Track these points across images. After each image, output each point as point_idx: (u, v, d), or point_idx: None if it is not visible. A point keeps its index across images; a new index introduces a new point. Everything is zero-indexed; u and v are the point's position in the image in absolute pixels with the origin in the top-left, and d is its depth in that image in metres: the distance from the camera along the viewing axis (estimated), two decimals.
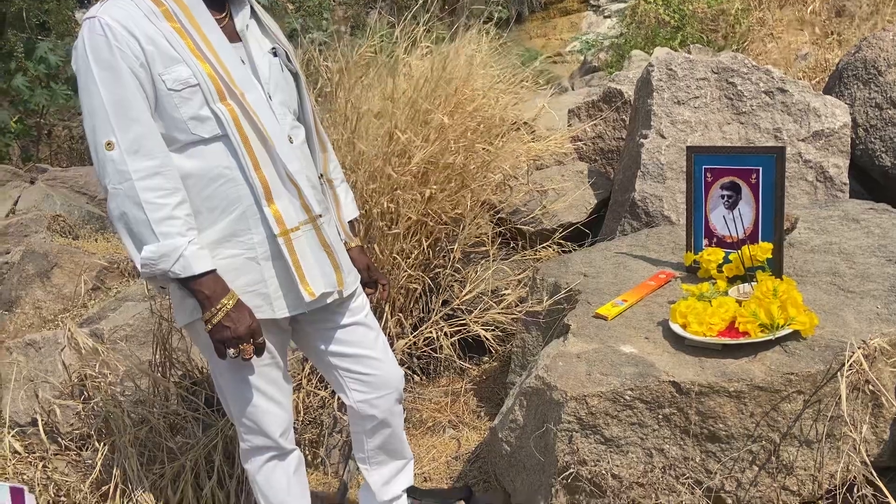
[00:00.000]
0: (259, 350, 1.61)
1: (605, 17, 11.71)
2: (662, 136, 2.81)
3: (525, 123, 3.26)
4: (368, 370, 1.85)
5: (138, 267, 1.55)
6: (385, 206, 2.55)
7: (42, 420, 2.58)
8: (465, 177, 2.74)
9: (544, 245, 2.93)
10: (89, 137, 1.53)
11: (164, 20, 1.54)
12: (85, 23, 1.51)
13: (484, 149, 2.75)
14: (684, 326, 1.76)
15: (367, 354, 1.84)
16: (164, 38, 1.53)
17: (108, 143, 1.50)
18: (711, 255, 2.03)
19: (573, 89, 7.51)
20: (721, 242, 2.07)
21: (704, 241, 2.10)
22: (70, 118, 7.37)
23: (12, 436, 2.57)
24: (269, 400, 1.75)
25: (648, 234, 2.50)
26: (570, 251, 2.83)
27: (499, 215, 3.01)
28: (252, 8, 1.72)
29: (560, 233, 2.97)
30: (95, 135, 1.51)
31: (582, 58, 10.34)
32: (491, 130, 2.86)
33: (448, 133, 2.67)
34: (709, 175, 2.06)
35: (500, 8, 11.66)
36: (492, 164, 2.81)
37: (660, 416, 1.65)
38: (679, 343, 1.76)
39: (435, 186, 2.56)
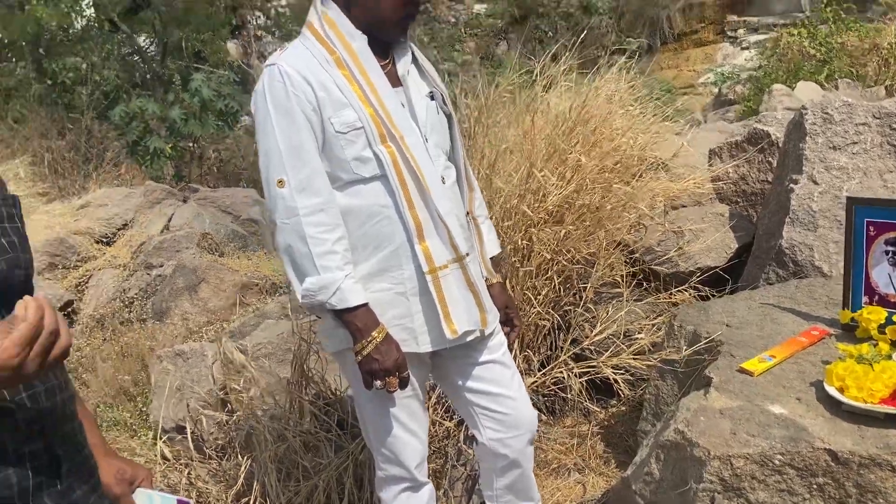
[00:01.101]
0: (403, 383, 1.67)
1: (743, 49, 11.31)
2: (815, 182, 2.68)
3: (663, 163, 3.20)
4: (503, 409, 1.86)
5: (299, 297, 1.66)
6: (519, 242, 2.58)
7: (190, 429, 2.77)
8: (600, 216, 2.72)
9: (680, 288, 2.85)
10: (263, 174, 1.66)
11: (335, 67, 1.65)
12: (266, 69, 1.65)
13: (621, 188, 2.72)
14: (841, 390, 1.65)
15: (502, 393, 1.86)
16: (334, 85, 1.64)
17: (280, 181, 1.62)
18: (872, 315, 1.90)
19: (706, 122, 7.28)
20: (884, 301, 1.93)
21: (864, 299, 1.97)
22: (218, 142, 7.95)
23: (163, 441, 2.78)
24: (407, 431, 1.80)
25: (798, 286, 2.38)
26: (708, 297, 2.74)
27: (632, 255, 2.97)
28: (413, 54, 1.81)
29: (697, 276, 2.88)
30: (269, 172, 1.63)
31: (716, 90, 10.01)
32: (628, 169, 2.83)
33: (585, 172, 2.66)
34: (871, 229, 1.94)
35: (630, 39, 11.53)
36: (628, 204, 2.78)
37: (812, 486, 1.56)
38: (835, 408, 1.65)
39: (571, 226, 2.56)
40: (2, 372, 0.93)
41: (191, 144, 7.33)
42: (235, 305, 4.71)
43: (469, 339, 1.77)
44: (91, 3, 10.02)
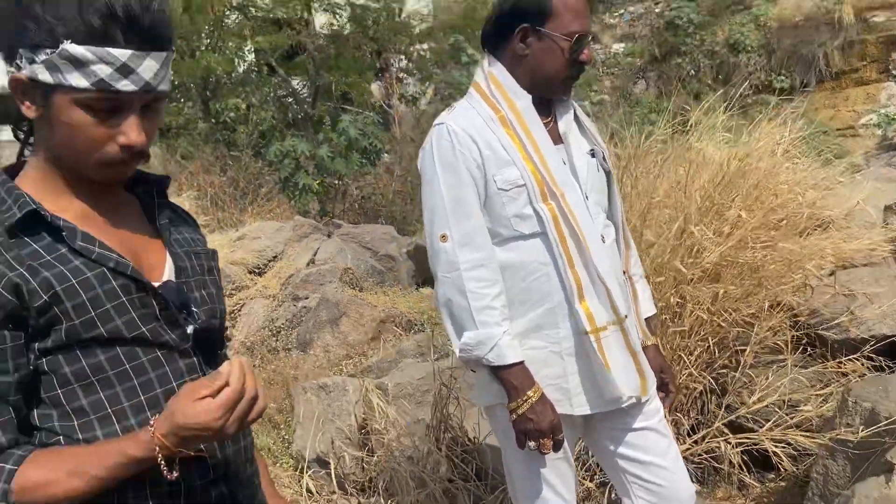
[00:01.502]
0: (557, 445, 1.63)
1: None
2: None
3: (832, 221, 2.98)
4: (658, 480, 1.77)
5: (456, 350, 1.67)
6: (670, 300, 2.48)
7: (333, 464, 2.85)
8: (761, 275, 2.56)
9: (851, 357, 2.61)
10: (427, 228, 1.70)
11: (499, 126, 1.67)
12: (434, 128, 1.70)
13: (786, 247, 2.55)
14: None
15: (658, 463, 1.77)
16: (499, 143, 1.66)
17: (443, 236, 1.65)
18: None
19: (869, 167, 6.75)
20: None
21: None
22: (360, 179, 8.30)
23: (309, 475, 2.87)
24: (555, 494, 1.75)
25: None
26: (883, 369, 2.50)
27: (796, 318, 2.76)
28: (574, 111, 1.80)
29: (871, 345, 2.64)
30: (433, 226, 1.67)
31: (880, 133, 9.28)
32: (795, 227, 2.65)
33: (745, 228, 2.53)
34: None
35: (781, 77, 10.98)
36: (793, 263, 2.60)
37: None
38: None
39: (730, 285, 2.43)
40: (204, 432, 0.99)
41: (336, 181, 7.70)
42: (374, 340, 4.85)
43: (625, 404, 1.71)
44: (252, 50, 10.86)
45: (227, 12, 9.36)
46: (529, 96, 1.70)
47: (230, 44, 9.50)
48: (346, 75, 10.73)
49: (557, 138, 1.74)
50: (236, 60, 10.50)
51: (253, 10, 9.94)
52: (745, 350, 2.60)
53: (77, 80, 1.01)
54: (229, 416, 1.00)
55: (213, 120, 9.72)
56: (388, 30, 10.79)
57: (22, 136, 1.16)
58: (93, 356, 1.07)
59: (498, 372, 1.63)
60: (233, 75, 10.52)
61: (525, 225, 1.66)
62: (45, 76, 1.02)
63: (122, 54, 1.02)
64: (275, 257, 6.24)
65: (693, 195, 2.63)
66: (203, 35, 9.46)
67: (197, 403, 0.99)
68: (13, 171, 1.14)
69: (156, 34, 1.05)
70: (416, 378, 3.35)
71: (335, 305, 4.99)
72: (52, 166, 1.11)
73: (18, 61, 1.03)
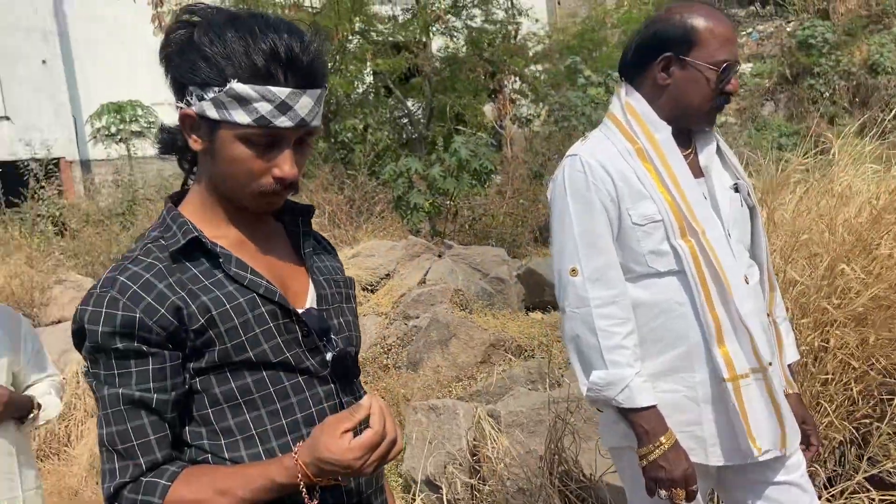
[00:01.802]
0: (690, 496, 1.54)
1: None
2: None
3: None
4: None
5: (582, 389, 1.62)
6: (814, 343, 2.31)
7: (445, 489, 2.85)
8: None
9: None
10: (555, 259, 1.67)
11: (636, 158, 1.62)
12: (567, 159, 1.66)
13: None
14: None
15: None
16: (634, 176, 1.60)
17: (573, 270, 1.61)
18: None
19: None
20: None
21: None
22: (471, 200, 8.36)
23: (420, 498, 2.88)
24: None
25: None
26: None
27: None
28: (717, 143, 1.72)
29: None
30: (562, 259, 1.63)
31: None
32: None
33: None
34: None
35: None
36: None
37: None
38: None
39: (884, 331, 2.24)
40: (345, 469, 1.01)
41: (447, 202, 7.78)
42: (483, 363, 4.83)
43: (765, 458, 1.60)
44: (371, 72, 11.23)
45: (350, 37, 9.73)
46: (669, 128, 1.63)
47: (351, 67, 9.85)
48: (461, 97, 10.88)
49: (698, 171, 1.67)
50: (356, 82, 10.87)
51: (374, 34, 10.28)
52: (891, 400, 2.39)
53: (240, 116, 1.06)
54: (369, 457, 1.01)
55: (332, 140, 10.10)
56: (504, 52, 10.85)
57: (187, 165, 1.23)
58: (241, 378, 1.12)
59: (628, 415, 1.56)
60: (351, 97, 10.90)
61: (661, 262, 1.60)
62: (212, 112, 1.07)
63: (281, 92, 1.06)
64: (387, 275, 6.36)
65: (838, 230, 2.45)
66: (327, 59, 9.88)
67: (340, 441, 1.00)
68: (177, 197, 1.21)
69: (312, 73, 1.09)
70: (529, 407, 3.29)
71: (445, 326, 5.01)
72: (211, 195, 1.17)
73: (189, 98, 1.09)
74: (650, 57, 1.63)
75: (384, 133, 10.28)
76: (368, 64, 10.37)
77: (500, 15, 10.82)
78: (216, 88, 1.06)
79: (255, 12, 1.11)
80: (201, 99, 1.07)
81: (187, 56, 1.08)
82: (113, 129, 15.69)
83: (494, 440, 2.91)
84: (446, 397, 4.17)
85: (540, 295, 6.00)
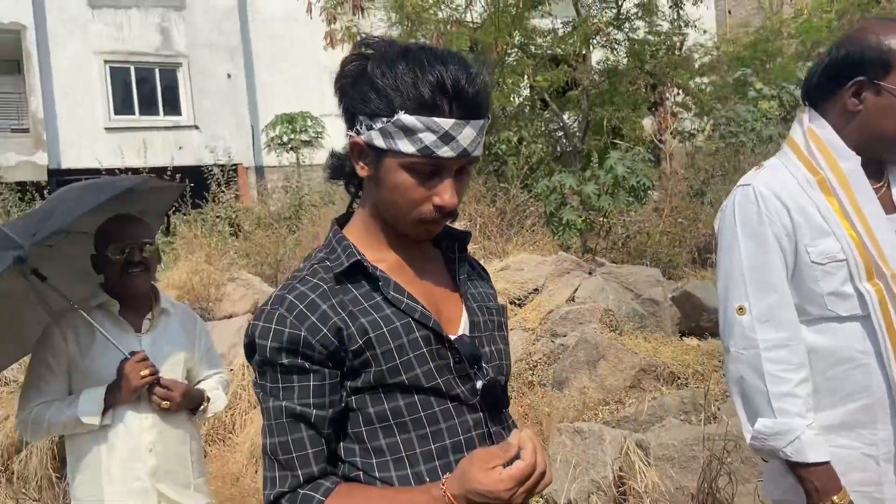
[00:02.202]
0: None
1: None
2: None
3: None
4: None
5: (746, 435, 1.51)
6: None
7: None
8: None
9: None
10: (720, 295, 1.57)
11: (818, 190, 1.49)
12: (738, 189, 1.56)
13: None
14: None
15: None
16: (815, 209, 1.48)
17: (740, 308, 1.50)
18: None
19: None
20: None
21: None
22: (626, 217, 8.12)
23: None
24: None
25: None
26: None
27: None
28: None
29: None
30: (728, 296, 1.53)
31: None
32: None
33: None
34: None
35: None
36: None
37: None
38: None
39: None
40: (494, 501, 1.00)
41: (601, 218, 7.60)
42: (632, 388, 4.66)
43: None
44: (528, 85, 11.24)
45: (509, 50, 9.81)
46: (858, 158, 1.49)
47: (509, 81, 9.92)
48: (619, 109, 10.60)
49: (891, 207, 1.51)
50: (512, 96, 10.93)
51: (533, 47, 10.29)
52: None
53: (405, 146, 1.09)
54: (519, 488, 1.00)
55: (486, 152, 10.22)
56: (667, 64, 10.46)
57: (353, 190, 1.29)
58: (394, 400, 1.14)
59: (797, 469, 1.44)
60: (507, 109, 10.97)
61: (842, 305, 1.45)
62: (379, 141, 1.11)
63: (445, 123, 1.08)
64: (535, 290, 6.31)
65: None
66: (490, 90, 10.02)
67: (491, 472, 1.00)
68: (342, 220, 1.27)
69: (476, 104, 1.11)
70: (681, 440, 3.13)
71: (594, 347, 4.89)
72: (374, 220, 1.21)
73: (358, 126, 1.14)
74: (840, 80, 1.49)
75: (538, 146, 10.25)
76: (526, 78, 10.40)
77: (666, 26, 10.45)
78: (384, 119, 1.10)
79: (426, 46, 1.15)
80: (370, 128, 1.12)
81: (359, 87, 1.12)
82: (285, 139, 16.89)
83: (643, 473, 2.79)
84: (592, 420, 4.06)
85: (696, 320, 5.70)
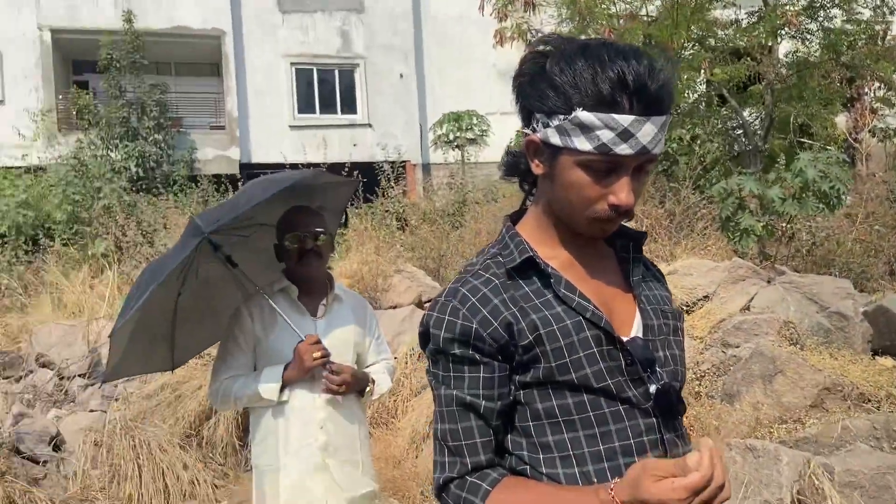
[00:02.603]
0: None
1: None
2: None
3: None
4: None
5: None
6: None
7: None
8: None
9: None
10: None
11: None
12: None
13: None
14: None
15: None
16: None
17: None
18: None
19: None
20: None
21: None
22: (812, 223, 7.45)
23: None
24: None
25: None
26: None
27: None
28: None
29: None
30: None
31: None
32: None
33: None
34: None
35: None
36: None
37: None
38: None
39: None
40: None
41: (784, 224, 7.04)
42: (813, 408, 4.27)
43: None
44: (704, 80, 10.64)
45: (686, 44, 9.35)
46: None
47: (685, 77, 9.46)
48: (808, 106, 9.75)
49: None
50: (687, 92, 10.41)
51: (712, 41, 9.73)
52: None
53: (581, 143, 1.07)
54: (693, 499, 0.95)
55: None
56: (867, 55, 9.45)
57: (527, 187, 1.28)
58: (562, 398, 1.13)
59: None
60: (680, 106, 10.46)
61: None
62: (555, 139, 1.10)
63: (624, 120, 1.05)
64: (705, 297, 5.97)
65: None
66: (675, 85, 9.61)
67: (663, 482, 0.95)
68: (515, 217, 1.27)
69: (658, 100, 1.07)
70: (872, 468, 2.83)
71: (771, 360, 4.55)
72: (547, 217, 1.20)
73: (535, 124, 1.13)
74: None
75: (714, 145, 9.68)
76: (702, 73, 9.85)
77: (867, 14, 9.44)
78: (561, 116, 1.08)
79: (607, 41, 1.12)
80: (546, 126, 1.11)
81: (537, 85, 1.11)
82: (451, 137, 17.28)
83: (831, 499, 2.55)
84: (765, 438, 3.78)
85: (891, 338, 5.13)
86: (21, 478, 3.72)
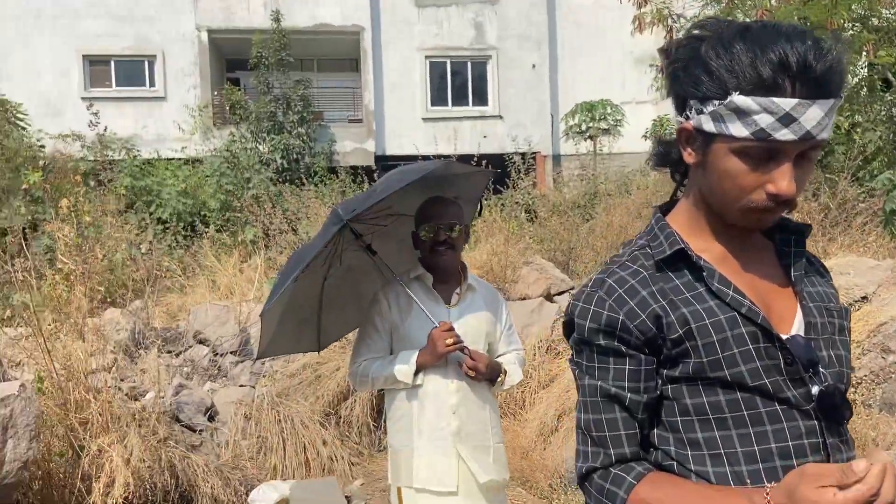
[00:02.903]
0: None
1: None
2: None
3: None
4: None
5: None
6: None
7: None
8: None
9: None
10: None
11: None
12: None
13: None
14: None
15: None
16: None
17: None
18: None
19: None
20: None
21: None
22: None
23: None
24: None
25: None
26: None
27: None
28: None
29: None
30: None
31: None
32: None
33: None
34: None
35: None
36: None
37: None
38: None
39: None
40: None
41: None
42: None
43: None
44: (866, 64, 9.77)
45: (847, 25, 8.62)
46: None
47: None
48: None
49: None
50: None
51: (876, 20, 8.90)
52: None
53: (737, 129, 1.03)
54: None
55: None
56: None
57: (678, 177, 1.24)
58: (713, 394, 1.09)
59: None
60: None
61: None
62: (708, 125, 1.06)
63: (785, 104, 0.99)
64: (863, 298, 5.51)
65: None
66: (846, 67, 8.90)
67: (822, 491, 0.90)
68: (665, 208, 1.24)
69: (826, 82, 1.00)
70: None
71: None
72: (699, 208, 1.16)
73: (688, 111, 1.10)
74: None
75: (876, 133, 8.88)
76: (864, 55, 9.03)
77: None
78: (716, 101, 1.04)
79: (768, 23, 1.06)
80: (700, 112, 1.07)
81: (691, 71, 1.08)
82: (583, 127, 16.96)
83: None
84: None
85: None
86: (181, 444, 4.08)
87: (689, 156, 1.13)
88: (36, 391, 3.13)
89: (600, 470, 1.12)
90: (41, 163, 11.22)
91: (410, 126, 18.09)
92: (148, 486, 3.58)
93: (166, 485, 3.70)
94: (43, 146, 13.03)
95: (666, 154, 1.23)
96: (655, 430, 1.14)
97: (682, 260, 1.14)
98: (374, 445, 5.06)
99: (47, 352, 3.42)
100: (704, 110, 1.06)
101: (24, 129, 13.07)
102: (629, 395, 1.11)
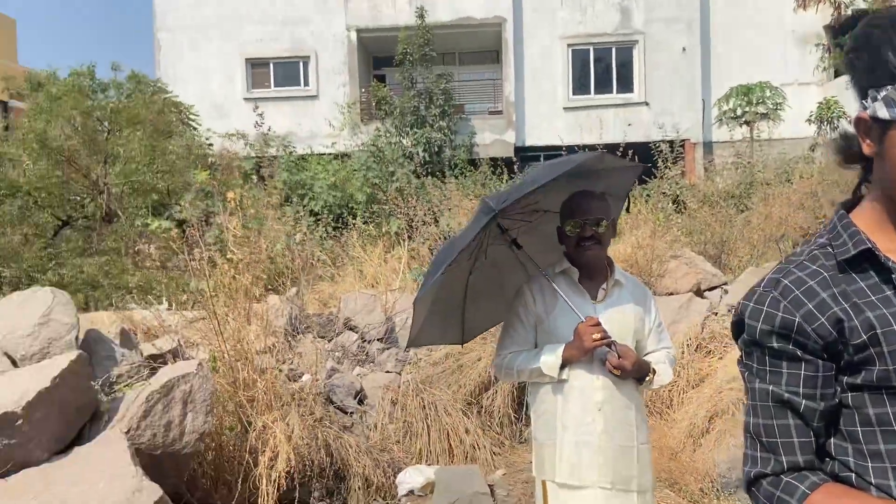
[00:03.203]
0: None
1: None
2: None
3: None
4: None
5: None
6: None
7: None
8: None
9: None
10: None
11: None
12: None
13: None
14: None
15: None
16: None
17: None
18: None
19: None
20: None
21: None
22: None
23: None
24: None
25: None
26: None
27: None
28: None
29: None
30: None
31: None
32: None
33: None
34: None
35: None
36: None
37: None
38: None
39: None
40: None
41: None
42: None
43: None
44: None
45: None
46: None
47: None
48: None
49: None
50: None
51: None
52: None
53: None
54: None
55: None
56: None
57: (861, 172, 1.16)
58: None
59: None
60: None
61: None
62: (882, 112, 1.00)
63: None
64: None
65: None
66: None
67: None
68: (849, 205, 1.15)
69: None
70: None
71: None
72: (884, 205, 1.09)
73: (865, 101, 1.04)
74: None
75: None
76: None
77: None
78: (889, 87, 0.99)
79: None
80: (875, 100, 1.01)
81: (864, 58, 1.03)
82: (739, 112, 15.99)
83: None
84: None
85: None
86: (335, 424, 4.31)
87: (867, 147, 1.06)
88: (210, 370, 3.43)
89: (770, 476, 1.08)
90: (210, 160, 12.23)
91: (550, 116, 17.90)
92: (307, 462, 3.82)
93: (322, 462, 3.93)
94: (211, 144, 14.20)
95: (849, 148, 1.15)
96: (833, 440, 1.08)
97: (867, 260, 1.06)
98: (515, 437, 5.08)
99: (220, 334, 3.73)
100: (878, 97, 1.01)
101: (195, 129, 14.30)
102: (804, 401, 1.05)
